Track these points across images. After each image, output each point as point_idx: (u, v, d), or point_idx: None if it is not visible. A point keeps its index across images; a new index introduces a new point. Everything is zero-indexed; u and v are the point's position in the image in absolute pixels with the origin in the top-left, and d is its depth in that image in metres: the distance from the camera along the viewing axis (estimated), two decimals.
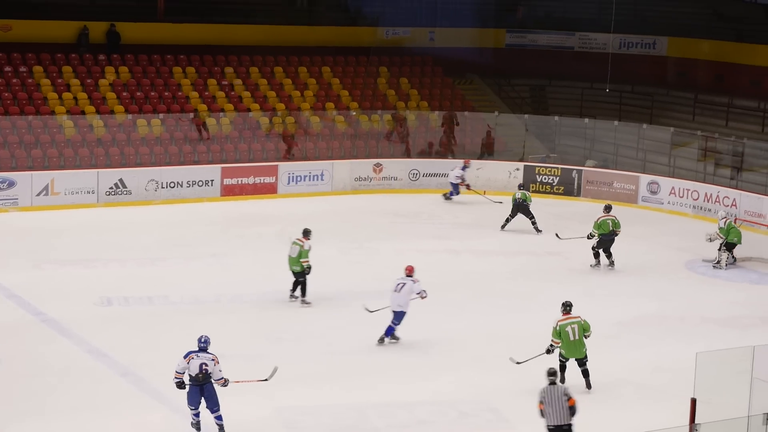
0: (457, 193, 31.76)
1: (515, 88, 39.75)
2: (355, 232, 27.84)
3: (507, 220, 28.08)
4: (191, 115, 32.49)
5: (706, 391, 13.65)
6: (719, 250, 25.04)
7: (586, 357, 17.32)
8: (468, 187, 31.68)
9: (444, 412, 16.41)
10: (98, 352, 18.33)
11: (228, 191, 31.04)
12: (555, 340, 17.23)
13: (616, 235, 24.63)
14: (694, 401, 13.46)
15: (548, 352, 17.35)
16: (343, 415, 16.15)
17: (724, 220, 25.21)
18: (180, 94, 33.72)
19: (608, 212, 25.00)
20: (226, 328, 19.14)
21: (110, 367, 17.68)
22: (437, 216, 29.96)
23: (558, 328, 17.20)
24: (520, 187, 28.85)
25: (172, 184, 30.40)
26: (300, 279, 21.03)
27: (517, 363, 17.56)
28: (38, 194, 28.88)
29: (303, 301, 21.16)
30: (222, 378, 14.97)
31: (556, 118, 35.95)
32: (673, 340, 20.01)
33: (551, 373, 14.25)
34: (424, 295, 19.12)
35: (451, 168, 32.17)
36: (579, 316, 17.30)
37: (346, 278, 23.47)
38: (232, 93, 34.53)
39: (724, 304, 22.60)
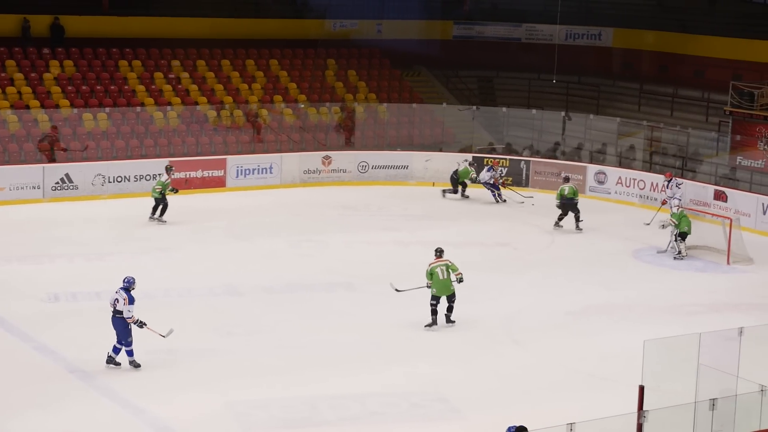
0: (498, 191, 30.97)
1: (463, 80, 39.84)
2: (305, 224, 27.77)
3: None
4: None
5: (653, 379, 13.78)
6: (675, 240, 25.23)
7: (454, 295, 19.59)
8: (503, 184, 31.54)
9: (395, 403, 16.43)
10: (45, 349, 18.15)
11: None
12: (429, 281, 19.52)
13: (575, 199, 27.05)
14: (642, 388, 13.58)
15: (428, 286, 19.53)
16: (295, 409, 16.12)
17: (678, 207, 25.45)
18: (126, 87, 33.44)
19: (566, 182, 27.89)
20: (175, 323, 19.02)
21: (58, 364, 17.51)
22: (386, 208, 29.97)
23: (429, 269, 19.58)
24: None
25: (119, 179, 30.16)
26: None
27: (397, 290, 20.18)
28: None
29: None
30: (132, 317, 16.99)
31: (504, 109, 36.09)
32: (621, 328, 20.17)
33: None
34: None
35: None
36: (448, 260, 19.68)
37: (295, 271, 23.41)
38: (179, 86, 34.30)
39: (670, 292, 22.81)
